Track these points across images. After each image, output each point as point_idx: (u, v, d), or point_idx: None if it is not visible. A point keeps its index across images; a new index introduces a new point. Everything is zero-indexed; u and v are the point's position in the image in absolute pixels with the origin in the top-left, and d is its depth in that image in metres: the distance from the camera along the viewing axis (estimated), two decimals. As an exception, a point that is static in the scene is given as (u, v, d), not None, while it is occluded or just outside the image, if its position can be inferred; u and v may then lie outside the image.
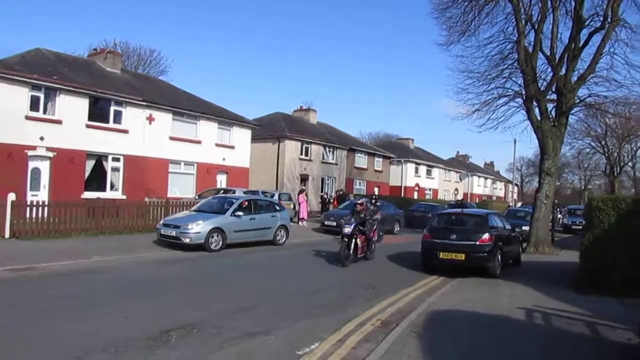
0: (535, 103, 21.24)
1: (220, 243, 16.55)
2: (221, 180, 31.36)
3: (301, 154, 40.27)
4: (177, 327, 7.38)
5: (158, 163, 27.41)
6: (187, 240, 15.92)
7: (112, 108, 25.60)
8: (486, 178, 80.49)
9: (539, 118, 21.32)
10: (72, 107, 23.58)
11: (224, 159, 31.51)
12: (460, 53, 26.41)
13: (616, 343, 7.55)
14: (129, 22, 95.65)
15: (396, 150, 57.91)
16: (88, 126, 24.33)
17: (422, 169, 60.23)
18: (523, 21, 21.03)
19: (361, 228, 15.41)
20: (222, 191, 25.62)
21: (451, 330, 8.01)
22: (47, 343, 6.61)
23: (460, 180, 70.23)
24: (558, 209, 31.45)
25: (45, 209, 17.77)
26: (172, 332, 7.18)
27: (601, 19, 19.75)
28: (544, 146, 21.31)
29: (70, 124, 23.45)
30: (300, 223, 28.32)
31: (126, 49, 49.64)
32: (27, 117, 21.97)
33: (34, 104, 22.34)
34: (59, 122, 23.14)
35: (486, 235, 13.54)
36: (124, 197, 25.01)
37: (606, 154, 55.89)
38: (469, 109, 22.67)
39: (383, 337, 7.45)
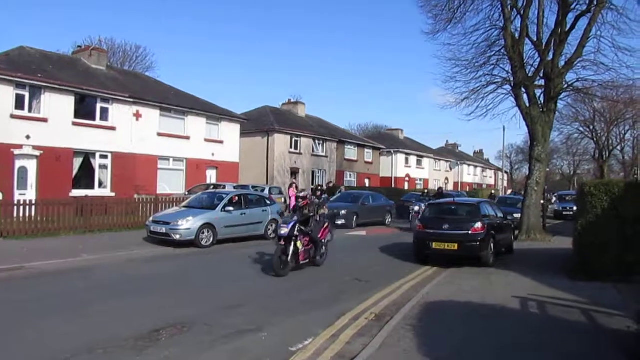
0: (523, 89, 21.15)
1: (211, 239, 16.41)
2: (211, 176, 31.20)
3: (291, 147, 40.14)
4: (167, 326, 7.25)
5: (146, 159, 27.20)
6: (178, 236, 15.76)
7: (99, 105, 25.39)
8: (476, 166, 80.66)
9: (527, 104, 21.23)
10: (58, 105, 23.34)
11: (213, 154, 31.34)
12: (447, 41, 26.24)
13: (614, 331, 7.45)
14: (113, 18, 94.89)
15: (386, 141, 57.91)
16: (74, 124, 24.11)
17: (412, 159, 60.28)
18: (509, 7, 20.89)
19: (303, 228, 12.40)
20: (212, 186, 25.46)
21: (446, 321, 7.92)
22: (32, 345, 6.47)
23: (450, 169, 70.39)
24: (548, 195, 31.34)
25: (33, 207, 17.57)
26: (162, 331, 7.05)
27: (587, 2, 19.63)
28: (533, 133, 21.26)
29: (56, 122, 23.22)
30: (291, 216, 28.11)
31: (112, 45, 49.41)
32: (13, 116, 21.73)
33: (19, 103, 22.13)
34: (44, 120, 22.90)
35: (478, 224, 13.45)
36: (113, 194, 24.80)
37: (595, 139, 55.92)
38: (457, 98, 22.59)
39: (378, 330, 7.34)
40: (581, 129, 55.23)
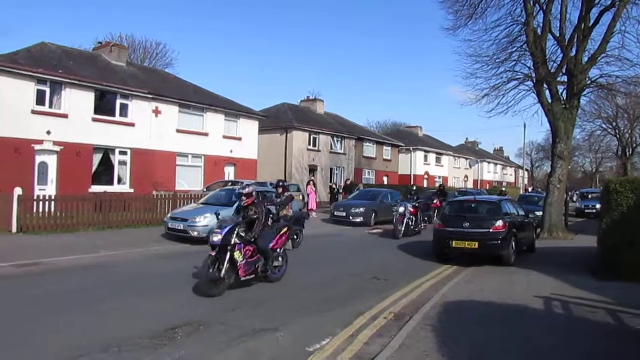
0: (545, 86, 20.87)
1: (229, 236, 16.33)
2: (229, 173, 31.16)
3: (309, 144, 39.98)
4: (184, 324, 7.16)
5: (165, 156, 27.23)
6: (195, 233, 15.75)
7: (119, 101, 25.42)
8: (496, 164, 79.84)
9: (550, 101, 20.95)
10: (78, 101, 23.42)
11: (231, 151, 31.29)
12: (468, 37, 26.03)
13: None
14: (135, 15, 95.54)
15: (405, 138, 57.52)
16: (94, 120, 24.17)
17: (432, 157, 59.83)
18: (531, 2, 20.65)
19: (244, 235, 9.66)
20: (230, 183, 25.40)
21: (467, 322, 7.74)
22: (46, 341, 6.41)
23: (470, 167, 69.72)
24: (570, 193, 30.84)
25: (52, 203, 17.70)
26: (178, 329, 6.96)
27: (612, -4, 19.31)
28: (556, 130, 20.96)
29: (76, 117, 23.31)
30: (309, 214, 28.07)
31: (132, 42, 49.54)
32: (34, 112, 21.83)
33: (40, 98, 22.21)
34: (65, 116, 22.99)
35: (500, 223, 13.23)
36: (132, 190, 24.85)
37: (618, 136, 55.13)
38: (478, 95, 22.44)
39: (397, 331, 7.19)
40: (604, 125, 54.48)
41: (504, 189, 47.54)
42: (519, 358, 6.27)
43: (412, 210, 20.42)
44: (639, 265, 10.74)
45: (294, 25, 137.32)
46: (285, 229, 11.15)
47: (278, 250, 10.63)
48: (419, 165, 56.82)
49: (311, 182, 30.47)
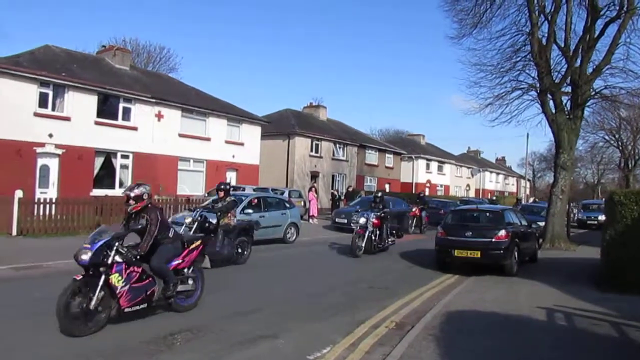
0: (549, 96, 20.86)
1: (230, 241, 16.24)
2: (231, 178, 31.10)
3: (311, 150, 39.96)
4: (182, 330, 7.07)
5: (167, 160, 27.21)
6: (196, 238, 15.60)
7: (121, 105, 25.44)
8: (498, 173, 79.83)
9: (553, 111, 20.95)
10: (81, 104, 23.44)
11: (233, 156, 31.28)
12: (472, 46, 26.21)
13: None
14: (138, 19, 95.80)
15: (407, 146, 57.50)
16: (97, 123, 24.18)
17: (434, 165, 59.84)
18: (536, 12, 20.68)
19: (124, 251, 7.22)
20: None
21: (469, 332, 7.65)
22: (44, 346, 6.29)
23: (472, 175, 69.69)
24: (572, 204, 30.76)
25: (53, 206, 17.63)
26: (176, 335, 6.86)
27: (617, 8, 19.39)
28: (559, 140, 20.95)
29: (79, 120, 23.31)
30: (310, 221, 28.04)
31: (136, 46, 49.53)
32: (36, 114, 21.85)
33: (43, 101, 22.25)
34: (67, 119, 22.99)
35: (502, 232, 13.16)
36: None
37: (620, 147, 55.10)
38: (481, 103, 22.47)
39: (398, 340, 7.09)
40: (606, 137, 54.40)
41: (494, 198, 47.57)
42: (522, 370, 6.19)
43: (375, 221, 16.64)
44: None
45: (297, 31, 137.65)
46: (198, 242, 8.70)
47: (184, 270, 8.22)
48: (420, 173, 56.79)
49: (313, 189, 30.40)
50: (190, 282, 8.28)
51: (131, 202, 7.64)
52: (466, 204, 29.20)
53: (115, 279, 6.93)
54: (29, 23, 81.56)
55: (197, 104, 29.63)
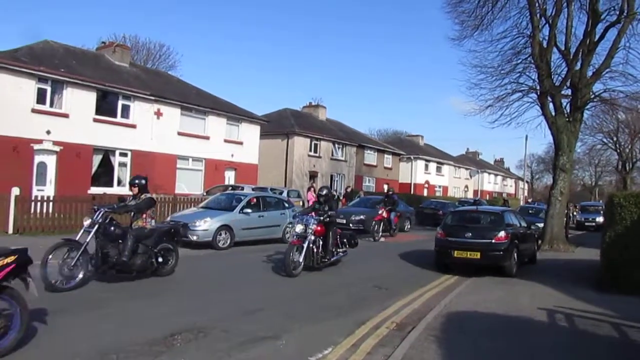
0: (549, 98, 20.86)
1: (228, 241, 16.25)
2: (229, 177, 31.08)
3: (310, 150, 39.94)
4: (183, 331, 6.99)
5: (166, 158, 27.15)
6: (195, 237, 15.61)
7: (120, 102, 25.38)
8: (496, 175, 79.92)
9: (553, 113, 20.98)
10: (80, 101, 23.35)
11: (232, 155, 31.22)
12: (473, 48, 26.18)
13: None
14: (138, 15, 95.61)
15: (406, 147, 57.57)
16: (95, 120, 24.10)
17: (432, 166, 59.91)
18: (537, 15, 20.69)
19: None
20: (230, 188, 25.30)
21: (470, 333, 7.61)
22: (39, 348, 6.15)
23: (470, 177, 69.80)
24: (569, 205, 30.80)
25: (51, 204, 17.53)
26: (177, 335, 6.78)
27: (617, 13, 19.43)
28: (558, 142, 20.96)
29: (77, 117, 23.22)
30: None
31: (135, 43, 49.50)
32: (34, 110, 21.73)
33: (41, 97, 22.12)
34: (65, 115, 22.90)
35: (502, 233, 13.13)
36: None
37: (618, 150, 55.37)
38: (481, 105, 22.49)
39: (399, 341, 7.05)
40: (605, 140, 54.60)
41: (477, 199, 47.63)
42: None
43: (316, 228, 12.50)
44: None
45: (297, 31, 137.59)
46: (6, 259, 6.10)
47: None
48: (419, 173, 56.87)
49: (311, 188, 30.36)
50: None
51: None
52: (473, 204, 29.04)
53: None
54: (29, 21, 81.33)
55: (197, 102, 29.57)
